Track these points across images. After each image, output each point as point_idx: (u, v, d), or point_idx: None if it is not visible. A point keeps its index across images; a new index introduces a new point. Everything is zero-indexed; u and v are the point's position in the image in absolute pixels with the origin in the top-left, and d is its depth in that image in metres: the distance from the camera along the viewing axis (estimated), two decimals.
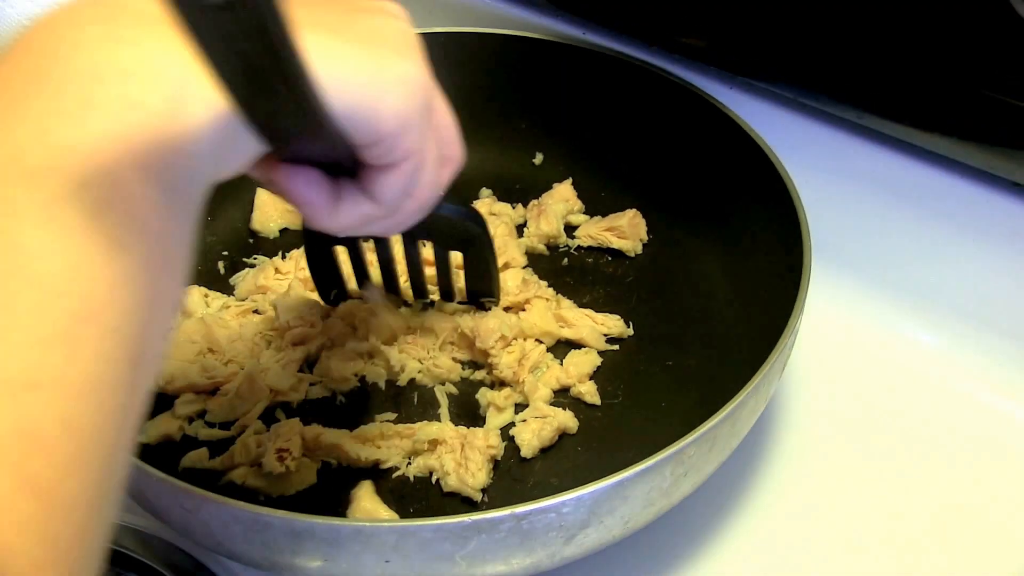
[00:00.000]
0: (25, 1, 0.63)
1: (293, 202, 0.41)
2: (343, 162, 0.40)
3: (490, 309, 0.68)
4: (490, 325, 0.65)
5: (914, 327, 0.72)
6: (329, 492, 0.59)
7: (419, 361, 0.66)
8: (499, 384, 0.65)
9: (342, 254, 0.66)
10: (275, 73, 0.30)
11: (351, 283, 0.68)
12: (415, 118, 0.39)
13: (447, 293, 0.68)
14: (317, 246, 0.65)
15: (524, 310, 0.69)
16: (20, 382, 0.26)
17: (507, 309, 0.69)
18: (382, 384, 0.66)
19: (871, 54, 0.64)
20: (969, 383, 0.69)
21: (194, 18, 0.26)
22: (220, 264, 0.74)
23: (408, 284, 0.68)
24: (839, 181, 0.72)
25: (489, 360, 0.65)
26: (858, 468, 0.64)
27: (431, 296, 0.69)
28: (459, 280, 0.67)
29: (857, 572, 0.59)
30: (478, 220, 0.62)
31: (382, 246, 0.65)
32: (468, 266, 0.65)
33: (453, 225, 0.61)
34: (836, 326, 0.73)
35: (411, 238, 0.64)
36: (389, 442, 0.61)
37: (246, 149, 0.35)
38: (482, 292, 0.68)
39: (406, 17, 0.41)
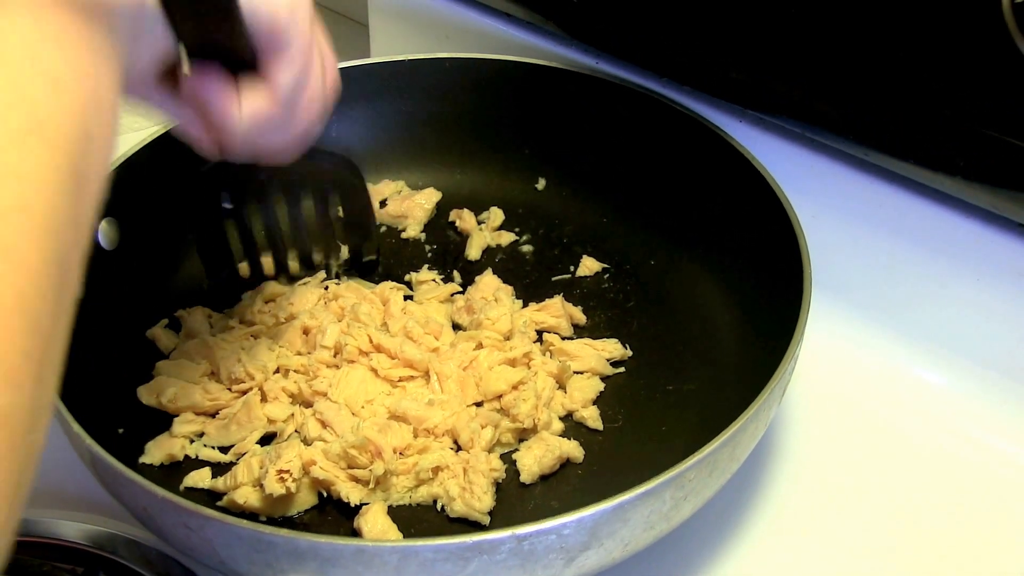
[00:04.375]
0: None
1: (204, 106, 0.49)
2: (244, 56, 0.48)
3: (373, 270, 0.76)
4: (522, 410, 0.63)
5: (914, 363, 0.72)
6: (330, 513, 0.60)
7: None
8: (520, 431, 0.64)
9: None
10: None
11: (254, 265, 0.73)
12: (303, 13, 0.49)
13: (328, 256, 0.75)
14: (207, 224, 0.71)
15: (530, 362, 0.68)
16: None
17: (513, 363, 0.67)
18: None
19: (879, 92, 0.64)
20: (969, 422, 0.69)
21: None
22: None
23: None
24: (845, 216, 0.73)
25: (509, 411, 0.64)
26: (854, 496, 0.65)
27: (317, 262, 0.75)
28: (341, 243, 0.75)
29: None
30: (352, 165, 0.71)
31: (267, 215, 0.71)
32: (347, 214, 0.73)
33: (328, 171, 0.69)
34: (838, 359, 0.73)
35: (294, 195, 0.70)
36: (387, 482, 0.60)
37: (158, 40, 0.44)
38: (361, 236, 0.74)
39: None
